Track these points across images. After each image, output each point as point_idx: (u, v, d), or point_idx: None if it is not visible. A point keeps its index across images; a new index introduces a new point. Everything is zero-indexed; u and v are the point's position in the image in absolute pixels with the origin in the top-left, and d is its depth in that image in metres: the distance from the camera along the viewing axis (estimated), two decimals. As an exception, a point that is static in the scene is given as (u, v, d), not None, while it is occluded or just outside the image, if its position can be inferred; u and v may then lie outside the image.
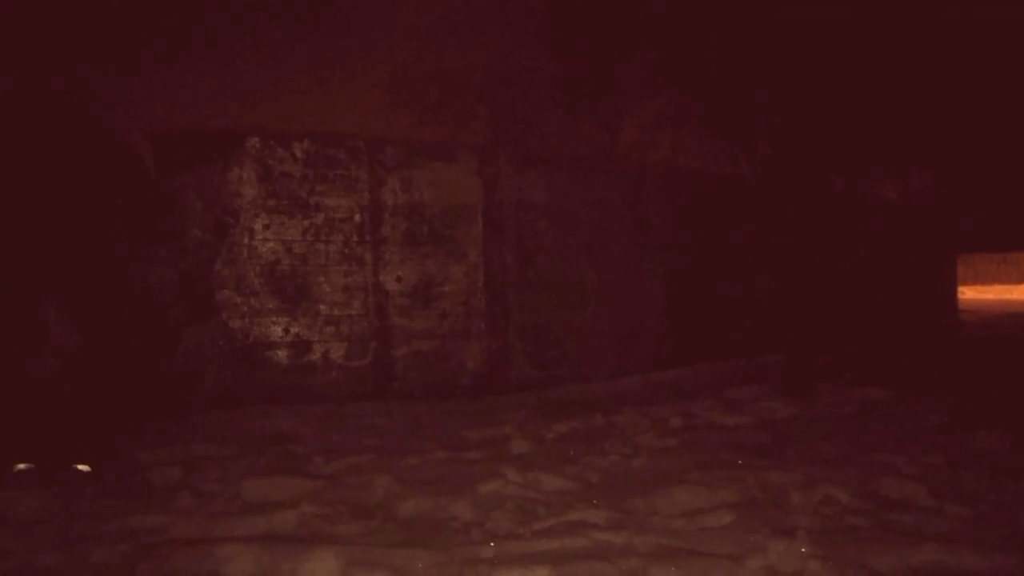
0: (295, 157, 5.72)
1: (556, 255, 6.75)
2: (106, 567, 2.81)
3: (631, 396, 6.17)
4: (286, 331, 5.70)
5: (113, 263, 5.22)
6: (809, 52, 8.27)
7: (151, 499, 3.56)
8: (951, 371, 7.17)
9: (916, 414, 5.16)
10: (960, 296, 13.64)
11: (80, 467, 4.03)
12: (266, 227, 5.66)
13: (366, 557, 2.78)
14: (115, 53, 5.07)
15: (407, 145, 6.06)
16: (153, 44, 5.16)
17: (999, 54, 8.92)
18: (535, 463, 4.07)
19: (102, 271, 5.20)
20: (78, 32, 4.97)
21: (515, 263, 6.53)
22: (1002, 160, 10.77)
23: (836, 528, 3.06)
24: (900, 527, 3.07)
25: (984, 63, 9.08)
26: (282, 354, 5.69)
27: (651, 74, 7.21)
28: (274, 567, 2.76)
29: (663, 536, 3.02)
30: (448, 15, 5.97)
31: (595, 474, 3.94)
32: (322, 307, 5.81)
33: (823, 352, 8.19)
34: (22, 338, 4.98)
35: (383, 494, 3.62)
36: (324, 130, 5.74)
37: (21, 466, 4.02)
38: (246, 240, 5.60)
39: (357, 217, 5.92)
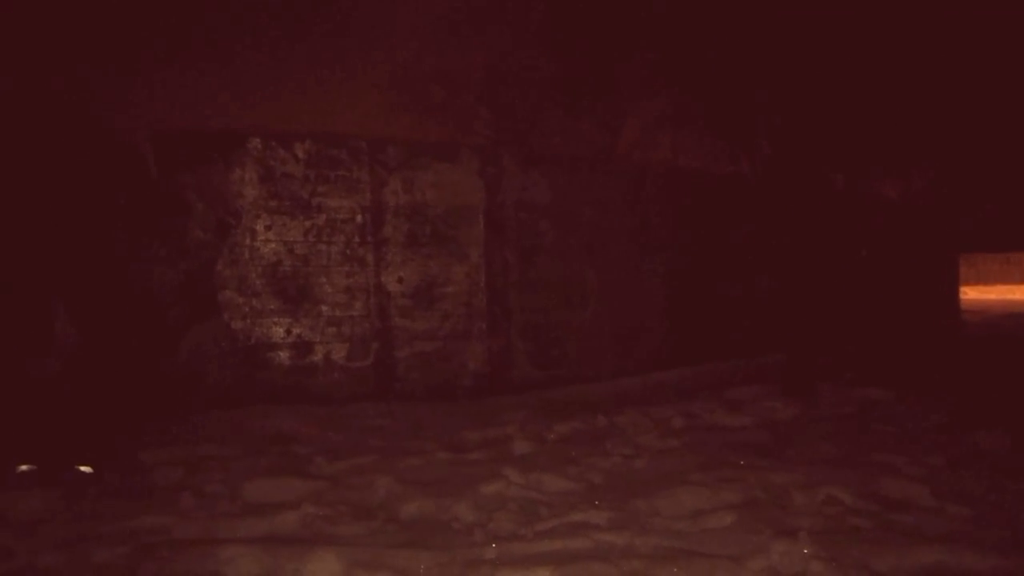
0: (297, 158, 5.73)
1: (557, 255, 6.76)
2: (108, 568, 2.82)
3: (632, 396, 6.17)
4: (288, 332, 5.71)
5: (114, 263, 5.23)
6: (810, 51, 8.27)
7: (153, 500, 3.56)
8: (953, 371, 7.17)
9: (917, 414, 5.15)
10: (963, 296, 13.64)
11: (82, 468, 4.03)
12: (268, 228, 5.66)
13: (368, 558, 2.78)
14: (115, 53, 5.07)
15: (408, 145, 6.06)
16: (153, 44, 5.15)
17: (1002, 53, 8.91)
18: (537, 464, 4.07)
19: (103, 271, 5.21)
20: (78, 32, 4.97)
21: (516, 263, 6.53)
22: (1004, 160, 10.77)
23: (838, 528, 3.06)
24: (902, 527, 3.07)
25: (986, 61, 9.08)
26: (284, 355, 5.69)
27: (651, 74, 7.21)
28: (276, 568, 2.76)
29: (665, 537, 3.02)
30: (448, 15, 5.96)
31: (597, 475, 3.94)
32: (324, 308, 5.82)
33: (824, 352, 8.19)
34: (25, 338, 5.00)
35: (385, 495, 3.62)
36: (324, 130, 5.74)
37: (23, 467, 4.03)
38: (248, 241, 5.60)
39: (359, 218, 5.92)
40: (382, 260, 6.01)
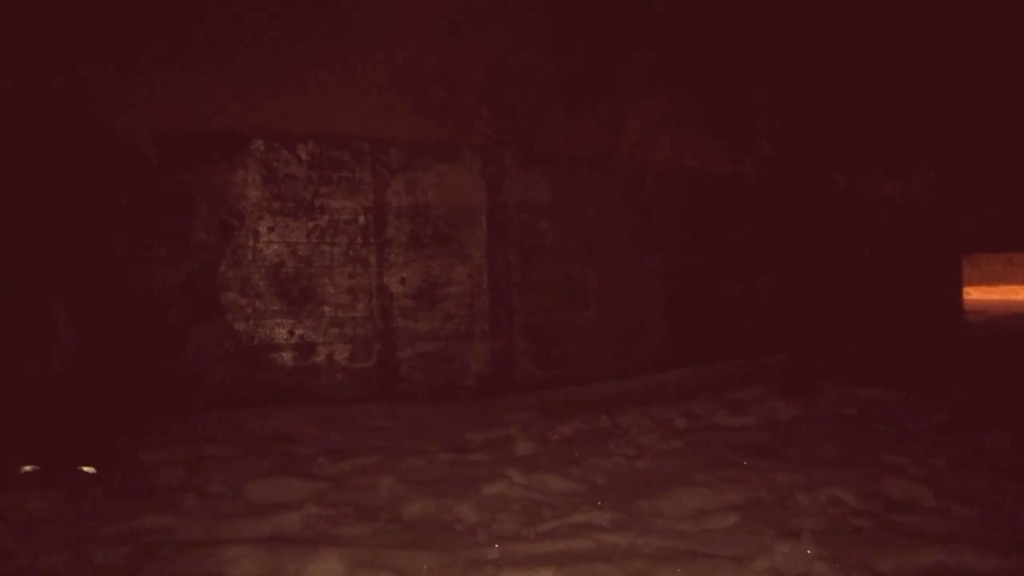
0: (300, 159, 5.73)
1: (559, 255, 6.76)
2: (110, 568, 2.82)
3: (634, 397, 6.16)
4: (291, 333, 5.71)
5: (116, 264, 5.24)
6: (811, 51, 8.27)
7: (155, 500, 3.56)
8: (956, 371, 7.16)
9: (920, 414, 5.14)
10: (966, 297, 13.62)
11: (84, 468, 4.03)
12: (271, 229, 5.67)
13: (371, 559, 2.78)
14: (115, 53, 5.08)
15: (410, 146, 6.07)
16: (153, 44, 5.17)
17: (1004, 52, 8.90)
18: (540, 464, 4.07)
19: (105, 272, 5.22)
20: (78, 32, 4.98)
21: (519, 264, 6.53)
22: (1007, 160, 10.76)
23: (842, 529, 3.05)
24: (905, 528, 3.06)
25: (989, 60, 9.07)
26: (287, 356, 5.69)
27: (651, 74, 7.21)
28: (279, 568, 2.76)
29: (668, 538, 3.02)
30: (448, 15, 5.97)
31: (600, 475, 3.94)
32: (327, 309, 5.82)
33: (825, 352, 8.19)
34: (26, 338, 5.00)
35: (388, 495, 3.62)
36: (325, 131, 5.75)
37: (25, 467, 4.03)
38: (251, 242, 5.60)
39: (361, 219, 5.93)
40: (385, 261, 6.01)
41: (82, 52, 5.00)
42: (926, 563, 2.71)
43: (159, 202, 5.35)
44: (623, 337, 7.15)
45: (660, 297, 7.45)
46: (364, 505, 3.52)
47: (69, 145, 5.12)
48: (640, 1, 6.90)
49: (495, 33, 6.18)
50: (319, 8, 5.55)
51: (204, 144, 5.47)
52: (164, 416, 5.06)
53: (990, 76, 9.39)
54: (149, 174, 5.32)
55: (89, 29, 5.01)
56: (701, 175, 7.84)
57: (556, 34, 6.51)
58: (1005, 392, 5.94)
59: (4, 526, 3.18)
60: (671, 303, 7.53)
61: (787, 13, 7.68)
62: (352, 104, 5.78)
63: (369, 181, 5.95)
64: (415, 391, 6.06)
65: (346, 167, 5.88)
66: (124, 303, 5.26)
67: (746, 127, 8.31)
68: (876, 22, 8.29)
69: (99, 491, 3.67)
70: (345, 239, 5.88)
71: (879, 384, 6.08)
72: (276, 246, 5.68)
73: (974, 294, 19.92)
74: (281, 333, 5.69)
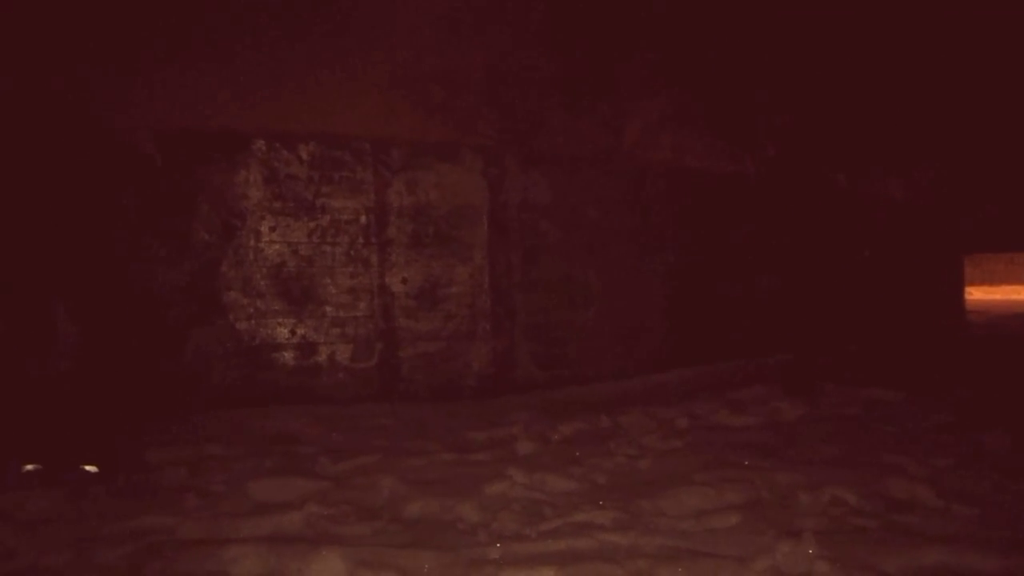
0: (301, 159, 5.74)
1: (560, 255, 6.76)
2: (112, 568, 2.82)
3: (635, 397, 6.16)
4: (292, 332, 5.71)
5: (117, 264, 5.24)
6: (812, 51, 8.27)
7: (157, 499, 3.57)
8: (958, 371, 7.15)
9: (922, 414, 5.14)
10: (968, 296, 13.61)
11: (86, 467, 4.04)
12: (272, 229, 5.67)
13: (372, 558, 2.78)
14: (115, 53, 5.09)
15: (412, 146, 6.07)
16: (153, 44, 5.17)
17: (1007, 50, 8.90)
18: (541, 464, 4.07)
19: (106, 272, 5.22)
20: (78, 32, 4.99)
21: (520, 264, 6.53)
22: (1009, 159, 10.75)
23: (844, 529, 3.05)
24: (908, 528, 3.06)
25: (992, 59, 9.06)
26: (288, 355, 5.70)
27: (651, 74, 7.21)
28: (281, 568, 2.77)
29: (669, 537, 3.02)
30: (448, 14, 5.97)
31: (601, 475, 3.94)
32: (328, 309, 5.82)
33: (827, 352, 8.19)
34: (27, 338, 5.01)
35: (389, 495, 3.62)
36: (326, 131, 5.75)
37: (28, 466, 4.03)
38: (252, 242, 5.61)
39: (363, 219, 5.93)
40: (386, 261, 6.01)
41: (82, 52, 5.01)
42: (928, 563, 2.71)
43: (160, 202, 5.36)
44: (623, 337, 7.15)
45: (660, 297, 7.45)
46: (365, 504, 3.52)
47: (69, 145, 5.13)
48: (640, 1, 6.90)
49: (495, 33, 6.18)
50: (319, 8, 5.55)
51: (205, 144, 5.47)
52: (165, 416, 5.06)
53: (992, 75, 9.39)
54: (150, 174, 5.32)
55: (89, 29, 5.02)
56: (701, 175, 7.84)
57: (556, 34, 6.51)
58: (1007, 392, 5.93)
59: (6, 525, 3.18)
60: (671, 303, 7.53)
61: (788, 13, 7.68)
62: (352, 104, 5.78)
63: (370, 181, 5.95)
64: (416, 391, 6.06)
65: (347, 167, 5.88)
66: (125, 303, 5.27)
67: (747, 127, 8.31)
68: (878, 21, 8.29)
69: (101, 490, 3.67)
70: (346, 239, 5.88)
71: (880, 384, 6.07)
72: (278, 246, 5.68)
73: (976, 294, 19.90)
74: (283, 333, 5.69)
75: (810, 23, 7.91)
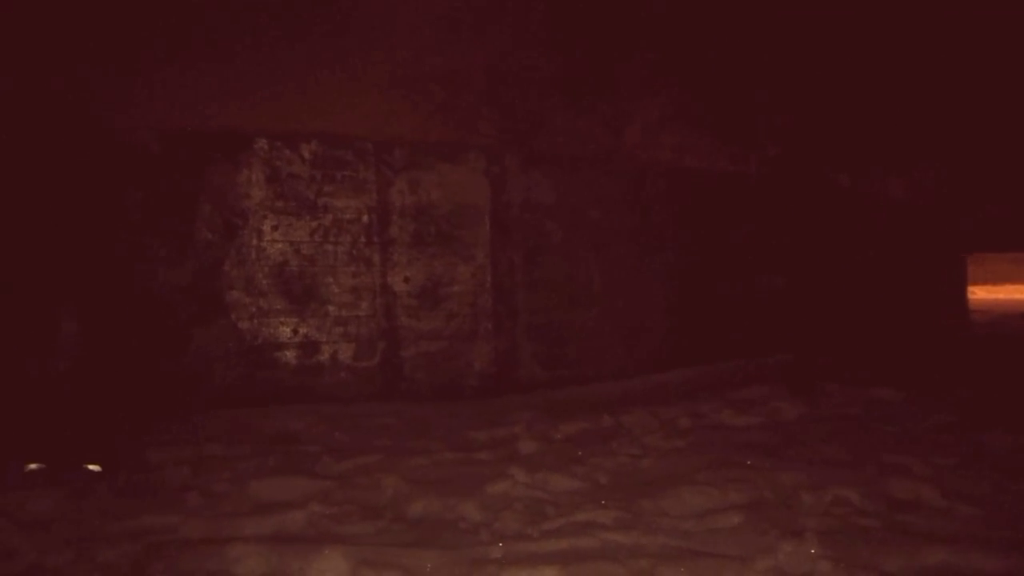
0: (303, 159, 5.74)
1: (562, 255, 6.76)
2: (115, 567, 2.83)
3: (637, 396, 6.16)
4: (295, 332, 5.72)
5: (119, 264, 5.25)
6: (814, 50, 8.26)
7: (160, 499, 3.57)
8: (959, 371, 7.14)
9: (926, 414, 5.13)
10: (971, 296, 13.58)
11: (90, 467, 4.04)
12: (274, 228, 5.67)
13: (375, 557, 2.79)
14: (115, 53, 5.09)
15: (414, 146, 6.07)
16: (153, 44, 5.17)
17: (1010, 49, 8.87)
18: (543, 463, 4.07)
19: (109, 272, 5.23)
20: (78, 32, 4.99)
21: (521, 263, 6.53)
22: (1013, 158, 10.72)
23: (846, 529, 3.05)
24: (911, 528, 3.06)
25: (996, 57, 9.04)
26: (291, 355, 5.70)
27: (652, 74, 7.21)
28: (283, 567, 2.77)
29: (672, 537, 3.02)
30: (448, 14, 5.97)
31: (604, 475, 3.94)
32: (330, 308, 5.82)
33: (828, 352, 8.17)
34: (30, 338, 5.01)
35: (392, 494, 3.62)
36: (328, 131, 5.76)
37: (32, 466, 4.04)
38: (255, 241, 5.61)
39: (365, 218, 5.93)
40: (388, 260, 6.01)
41: (82, 52, 5.01)
42: (931, 563, 2.70)
43: (162, 201, 5.36)
44: (624, 337, 7.15)
45: (661, 297, 7.44)
46: (368, 504, 3.52)
47: (69, 145, 5.13)
48: (640, 1, 6.89)
49: (495, 33, 6.18)
50: (319, 8, 5.55)
51: (207, 143, 5.48)
52: (168, 415, 5.07)
53: (994, 74, 9.37)
54: (152, 173, 5.33)
55: (89, 29, 5.02)
56: (702, 174, 7.83)
57: (556, 34, 6.51)
58: (1008, 392, 5.92)
59: (9, 524, 3.19)
60: (672, 303, 7.52)
61: (788, 13, 7.66)
62: (353, 104, 5.78)
63: (373, 180, 5.95)
64: (419, 390, 6.07)
65: (350, 166, 5.88)
66: (127, 303, 5.27)
67: (748, 127, 8.30)
68: (878, 21, 8.28)
69: (102, 490, 3.68)
70: (349, 238, 5.88)
71: (882, 384, 6.06)
72: (280, 245, 5.68)
73: (979, 293, 19.88)
74: (285, 332, 5.70)
75: (811, 23, 7.90)
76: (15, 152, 4.99)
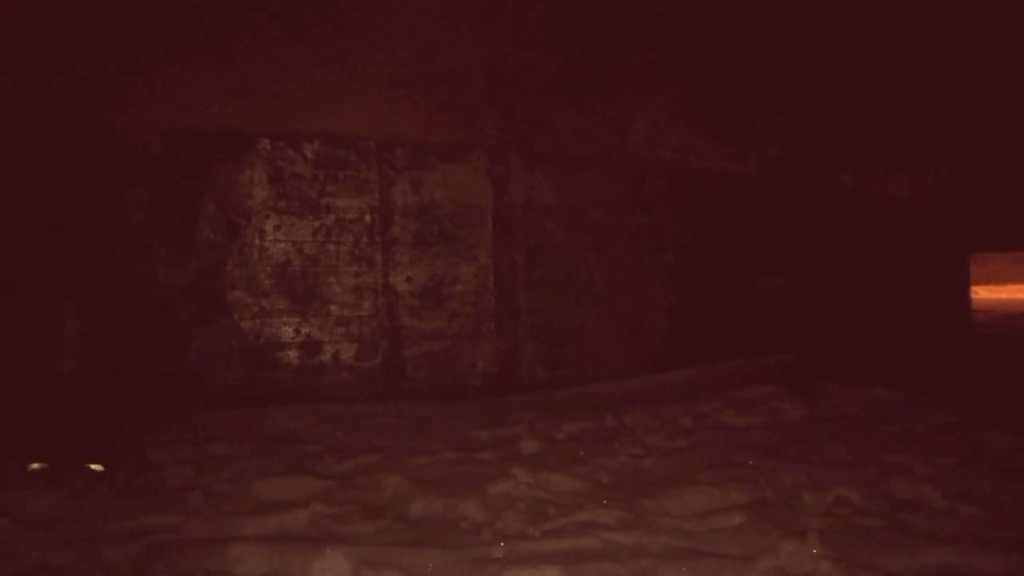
0: (306, 159, 5.75)
1: (564, 255, 6.76)
2: (117, 566, 2.83)
3: (638, 396, 6.16)
4: (297, 331, 5.72)
5: (122, 264, 5.25)
6: (815, 50, 8.24)
7: (162, 498, 3.58)
8: (961, 371, 7.13)
9: (927, 414, 5.13)
10: (974, 295, 13.56)
11: (92, 466, 4.05)
12: (277, 228, 5.68)
13: (377, 557, 2.79)
14: (115, 53, 5.09)
15: (416, 146, 6.08)
16: (153, 44, 5.18)
17: (1014, 47, 8.85)
18: (545, 463, 4.07)
19: (111, 272, 5.23)
20: (78, 32, 4.99)
21: (524, 263, 6.54)
22: (1016, 157, 10.70)
23: (848, 529, 3.05)
24: (912, 528, 3.05)
25: (998, 56, 9.02)
26: (293, 354, 5.71)
27: (652, 74, 7.20)
28: (285, 566, 2.77)
29: (674, 537, 3.02)
30: (448, 14, 5.96)
31: (605, 474, 3.94)
32: (333, 308, 5.83)
33: (829, 352, 8.16)
34: (34, 338, 5.02)
35: (393, 494, 3.62)
36: (330, 131, 5.76)
37: (33, 465, 4.05)
38: (257, 241, 5.62)
39: (367, 218, 5.94)
40: (390, 260, 6.02)
41: (82, 52, 5.01)
42: (932, 563, 2.70)
43: (164, 201, 5.37)
44: (624, 337, 7.15)
45: (661, 297, 7.44)
46: (370, 503, 3.52)
47: (69, 145, 5.14)
48: (640, 1, 6.88)
49: (495, 33, 6.17)
50: (318, 8, 5.55)
51: (210, 143, 5.49)
52: (169, 415, 5.08)
53: (996, 73, 9.35)
54: (153, 173, 5.33)
55: (89, 29, 5.02)
56: (703, 174, 7.83)
57: (556, 34, 6.50)
58: (1008, 391, 5.91)
59: (12, 524, 3.19)
60: (672, 303, 7.52)
61: (788, 13, 7.65)
62: (353, 104, 5.78)
63: (375, 180, 5.96)
64: (421, 390, 6.07)
65: (352, 166, 5.89)
66: (128, 303, 5.28)
67: (749, 126, 8.29)
68: (880, 20, 8.26)
69: (105, 489, 3.68)
70: (351, 238, 5.89)
71: (882, 384, 6.06)
72: (282, 245, 5.69)
73: (982, 293, 19.86)
74: (287, 332, 5.70)
75: (811, 23, 7.88)
76: (15, 152, 5.00)
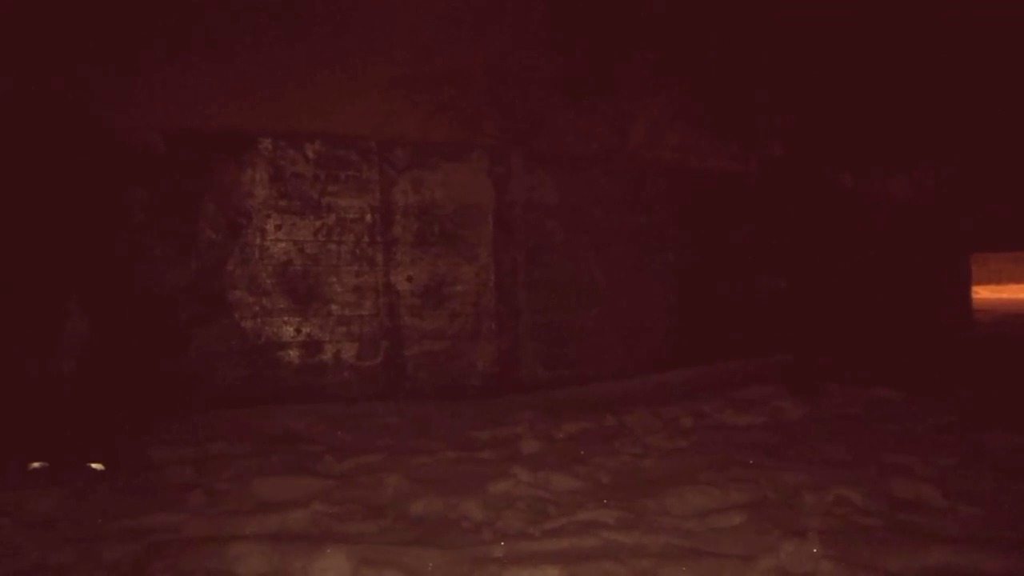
0: (307, 158, 5.75)
1: (565, 255, 6.76)
2: (118, 565, 2.83)
3: (639, 396, 6.16)
4: (298, 331, 5.72)
5: (122, 263, 5.26)
6: (816, 50, 8.24)
7: (163, 497, 3.58)
8: (962, 371, 7.13)
9: (927, 414, 5.13)
10: (974, 295, 13.56)
11: (93, 466, 4.05)
12: (278, 227, 5.68)
13: (377, 556, 2.79)
14: (115, 53, 5.09)
15: (417, 146, 6.08)
16: (153, 44, 5.18)
17: (1015, 46, 8.84)
18: (546, 463, 4.07)
19: (112, 272, 5.23)
20: (78, 32, 4.99)
21: (525, 263, 6.54)
22: (1017, 157, 10.69)
23: (849, 528, 3.05)
24: (913, 528, 3.05)
25: (999, 55, 9.01)
26: (294, 354, 5.71)
27: (652, 74, 7.19)
28: (285, 565, 2.78)
29: (674, 536, 3.02)
30: (448, 14, 5.96)
31: (606, 474, 3.94)
32: (334, 307, 5.83)
33: (830, 352, 8.16)
34: (36, 338, 5.02)
35: (394, 493, 3.63)
36: (328, 130, 5.76)
37: (35, 465, 4.05)
38: (258, 240, 5.62)
39: (368, 217, 5.94)
40: (391, 259, 6.02)
41: (82, 52, 5.01)
42: (932, 563, 2.70)
43: (165, 201, 5.37)
44: (624, 337, 7.15)
45: (661, 297, 7.44)
46: (370, 503, 3.53)
47: (69, 145, 5.14)
48: (640, 1, 6.87)
49: (495, 33, 6.17)
50: (318, 8, 5.55)
51: (211, 143, 5.49)
52: (170, 415, 5.08)
53: (997, 73, 9.34)
54: (154, 173, 5.33)
55: (89, 29, 5.02)
56: (703, 174, 7.83)
57: (556, 34, 6.49)
58: (1009, 391, 5.91)
59: (13, 523, 3.20)
60: (672, 302, 7.52)
61: (789, 13, 7.64)
62: (354, 104, 5.78)
63: (376, 180, 5.96)
64: (421, 389, 6.07)
65: (353, 166, 5.89)
66: (129, 303, 5.28)
67: (749, 126, 8.28)
68: (880, 20, 8.26)
69: (105, 489, 3.69)
70: (352, 237, 5.89)
71: (883, 384, 6.06)
72: (283, 244, 5.69)
73: (983, 293, 19.85)
74: (288, 331, 5.71)
75: (811, 23, 7.88)
76: (15, 152, 5.00)
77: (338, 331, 5.84)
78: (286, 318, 5.70)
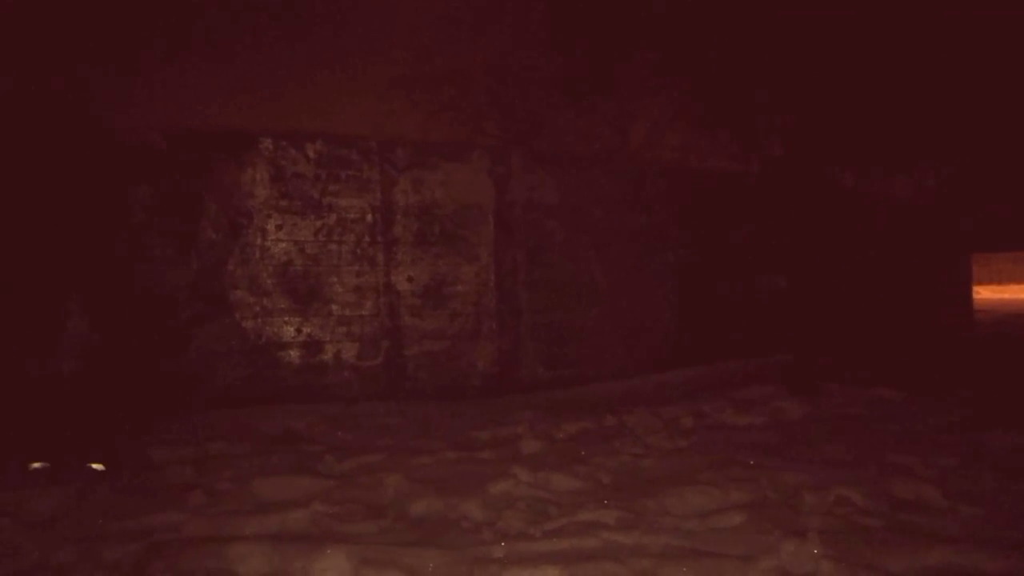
0: (308, 158, 5.75)
1: (565, 255, 6.76)
2: (119, 565, 2.84)
3: (640, 396, 6.16)
4: (298, 331, 5.72)
5: (123, 263, 5.26)
6: (816, 50, 8.24)
7: (163, 497, 3.58)
8: (963, 370, 7.13)
9: (928, 414, 5.13)
10: (976, 295, 13.56)
11: (93, 465, 4.05)
12: (279, 227, 5.68)
13: (377, 556, 2.79)
14: (115, 53, 5.09)
15: (417, 146, 6.08)
16: (153, 44, 5.18)
17: (1017, 46, 8.84)
18: (546, 463, 4.07)
19: (113, 272, 5.24)
20: (78, 32, 4.99)
21: (525, 263, 6.54)
22: (1018, 157, 10.69)
23: (849, 529, 3.05)
24: (913, 528, 3.05)
25: (1000, 55, 9.01)
26: (294, 354, 5.71)
27: (652, 74, 7.19)
28: (285, 566, 2.78)
29: (674, 536, 3.02)
30: (448, 14, 5.96)
31: (606, 474, 3.94)
32: (334, 307, 5.83)
33: (830, 352, 8.16)
34: (37, 338, 5.03)
35: (394, 494, 3.63)
36: (329, 130, 5.76)
37: (35, 465, 4.05)
38: (259, 240, 5.62)
39: (369, 217, 5.94)
40: (392, 259, 6.02)
41: (82, 52, 5.01)
42: (933, 563, 2.70)
43: (165, 201, 5.37)
44: (625, 336, 7.15)
45: (661, 297, 7.44)
46: (371, 503, 3.53)
47: (69, 145, 5.14)
48: (640, 1, 6.87)
49: (495, 33, 6.17)
50: (318, 8, 5.55)
51: (211, 143, 5.49)
52: (170, 414, 5.08)
53: (998, 73, 9.33)
54: (154, 173, 5.33)
55: (89, 29, 5.02)
56: (704, 174, 7.83)
57: (556, 34, 6.49)
58: (1010, 391, 5.91)
59: (15, 523, 3.20)
60: (673, 302, 7.52)
61: (789, 12, 7.64)
62: (354, 103, 5.78)
63: (377, 180, 5.96)
64: (422, 389, 6.07)
65: (354, 166, 5.89)
66: (129, 302, 5.28)
67: (749, 126, 8.28)
68: (881, 20, 8.26)
69: (106, 489, 3.69)
70: (353, 237, 5.89)
71: (884, 384, 6.06)
72: (284, 244, 5.69)
73: (984, 293, 19.85)
74: (289, 331, 5.71)
75: (811, 23, 7.88)
76: (15, 152, 5.00)
77: (339, 331, 5.84)
78: (287, 318, 5.70)
